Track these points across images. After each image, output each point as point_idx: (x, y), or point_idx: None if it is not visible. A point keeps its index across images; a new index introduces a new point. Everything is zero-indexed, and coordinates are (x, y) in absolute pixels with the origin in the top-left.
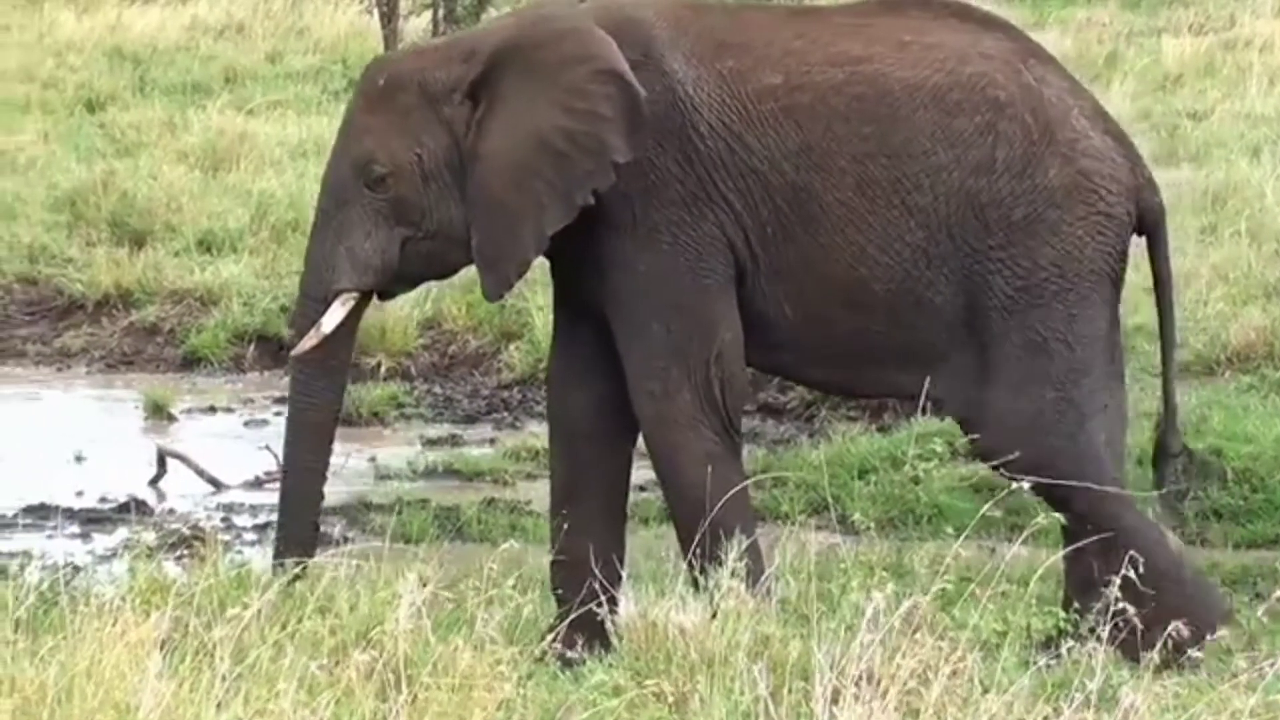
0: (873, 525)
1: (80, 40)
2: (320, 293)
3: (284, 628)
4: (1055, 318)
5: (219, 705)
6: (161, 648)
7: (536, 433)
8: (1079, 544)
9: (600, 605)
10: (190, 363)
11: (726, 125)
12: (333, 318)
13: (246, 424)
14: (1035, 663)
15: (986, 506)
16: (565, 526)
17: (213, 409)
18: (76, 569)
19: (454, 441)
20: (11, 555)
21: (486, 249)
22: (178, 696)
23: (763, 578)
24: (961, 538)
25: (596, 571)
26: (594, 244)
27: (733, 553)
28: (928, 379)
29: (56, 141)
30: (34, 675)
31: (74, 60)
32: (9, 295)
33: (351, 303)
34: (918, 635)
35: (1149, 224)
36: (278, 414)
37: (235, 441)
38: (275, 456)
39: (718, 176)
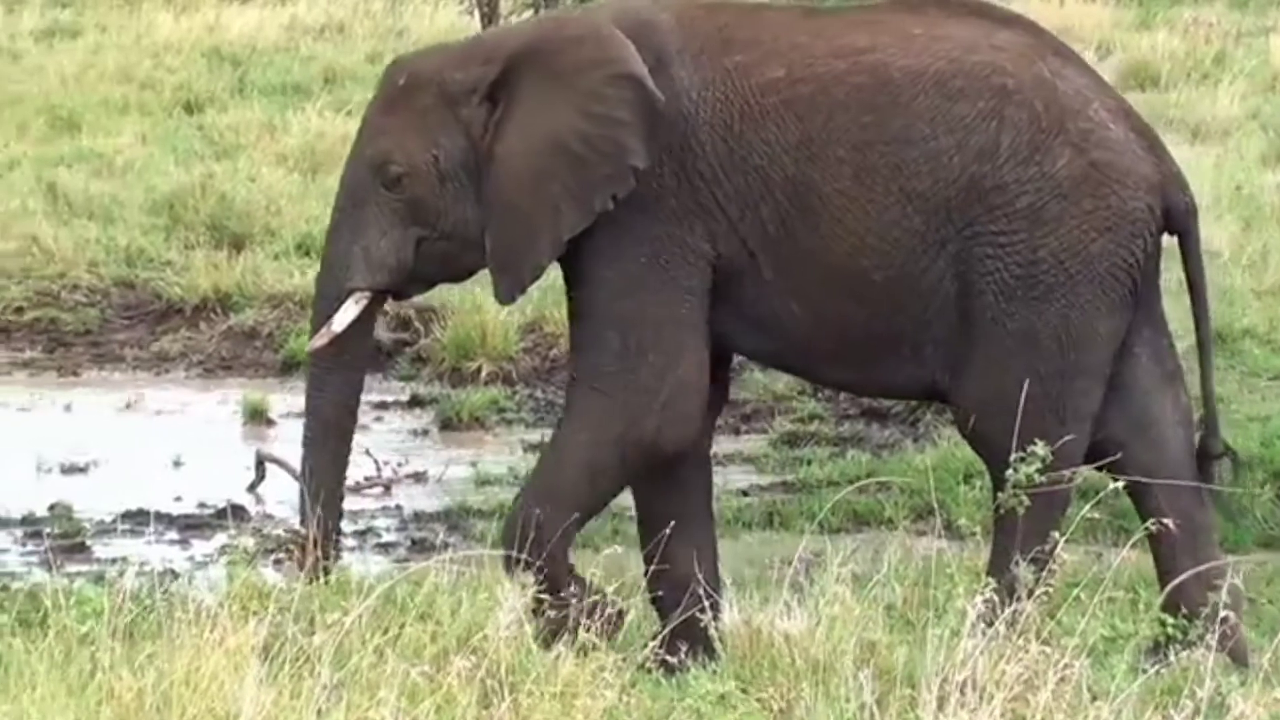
0: (978, 530)
1: (178, 41)
2: (335, 291)
3: (385, 634)
4: (1051, 313)
5: (319, 712)
6: (261, 654)
7: None
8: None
9: (703, 612)
10: (289, 367)
11: (727, 123)
12: (344, 316)
13: None
14: (1143, 669)
15: (1086, 509)
16: (655, 532)
17: None
18: (174, 575)
19: None
20: (110, 561)
21: (501, 252)
22: (278, 704)
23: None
24: (1063, 539)
25: (699, 577)
26: (574, 245)
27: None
28: (930, 369)
29: (154, 143)
30: (132, 683)
31: (172, 61)
32: (106, 299)
33: (364, 301)
34: (1024, 641)
35: (1178, 222)
36: (377, 419)
37: None
38: (375, 461)
39: (715, 181)
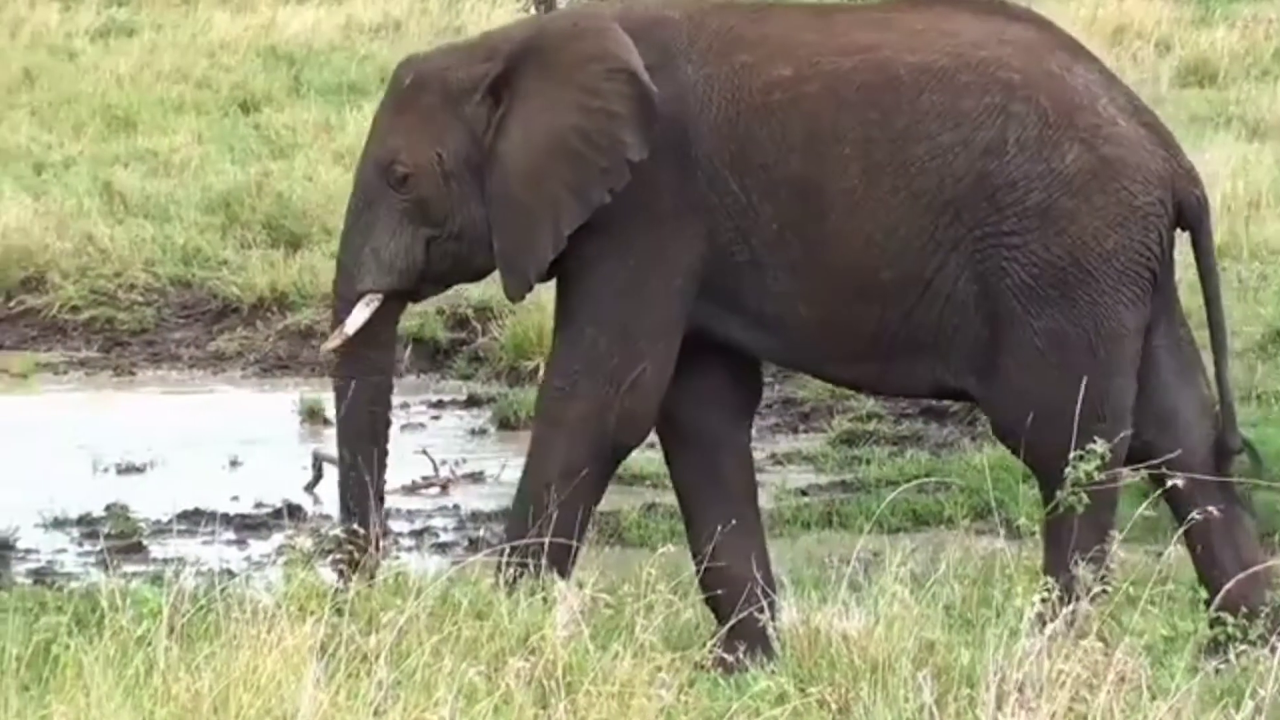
0: (1038, 529)
1: (234, 40)
2: (350, 294)
3: (442, 634)
4: (1078, 310)
5: (376, 712)
6: (318, 654)
7: None
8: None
9: (761, 611)
10: None
11: (732, 121)
12: (356, 318)
13: (403, 428)
14: (1204, 668)
15: (1142, 507)
16: (702, 533)
17: None
18: (231, 575)
19: None
20: (167, 561)
21: (506, 249)
22: (335, 704)
23: (564, 605)
24: (1119, 538)
25: (757, 576)
26: (569, 240)
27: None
28: (952, 371)
29: (211, 142)
30: (189, 683)
31: (228, 60)
32: (163, 298)
33: (376, 303)
34: (1083, 641)
35: (1190, 217)
36: (434, 418)
37: (392, 445)
38: (432, 461)
39: (719, 179)
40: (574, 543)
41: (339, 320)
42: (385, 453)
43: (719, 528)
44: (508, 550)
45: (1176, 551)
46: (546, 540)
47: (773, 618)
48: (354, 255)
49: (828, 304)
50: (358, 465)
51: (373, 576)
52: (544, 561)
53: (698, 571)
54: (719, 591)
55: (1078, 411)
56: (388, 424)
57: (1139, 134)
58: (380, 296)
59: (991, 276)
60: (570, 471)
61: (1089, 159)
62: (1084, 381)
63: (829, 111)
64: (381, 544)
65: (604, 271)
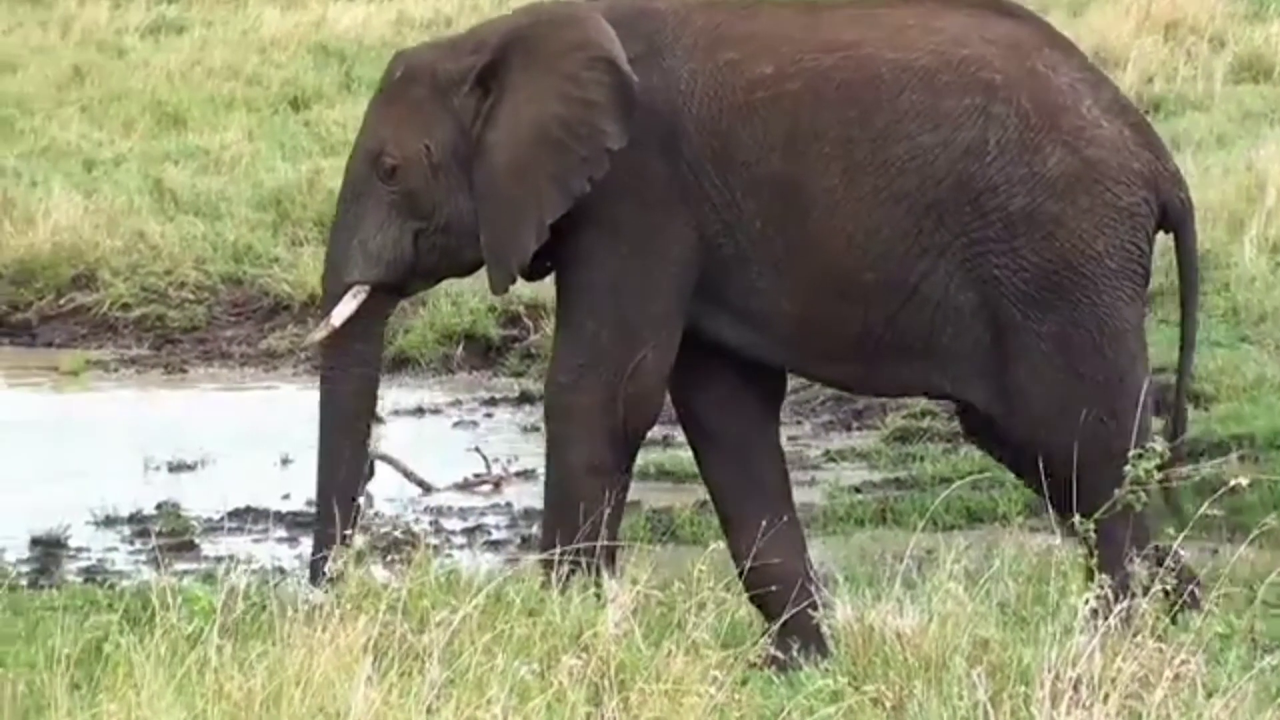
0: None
1: (285, 37)
2: (337, 286)
3: (494, 632)
4: (1079, 313)
5: (429, 710)
6: (371, 653)
7: None
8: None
9: (814, 608)
10: (398, 364)
11: (715, 118)
12: (342, 311)
13: (455, 425)
14: (1260, 666)
15: (1205, 506)
16: (737, 530)
17: (421, 410)
18: (283, 573)
19: (666, 443)
20: (218, 559)
21: (493, 241)
22: (387, 702)
23: (611, 595)
24: (1180, 537)
25: (809, 573)
26: (562, 233)
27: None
28: (950, 378)
29: (261, 139)
30: (241, 682)
31: (279, 57)
32: (214, 296)
33: (363, 295)
34: (1138, 638)
35: (1173, 219)
36: (487, 415)
37: (444, 443)
38: (485, 459)
39: (704, 175)
40: (613, 537)
41: (326, 313)
42: (366, 454)
43: (759, 525)
44: (549, 551)
45: (1232, 549)
46: (590, 539)
47: (819, 612)
48: (342, 247)
49: (811, 303)
50: (337, 467)
51: (337, 578)
52: (586, 559)
53: (740, 570)
54: (770, 589)
55: (1094, 415)
56: (372, 418)
57: (1123, 135)
58: (367, 288)
59: (986, 285)
60: (594, 465)
61: (1071, 161)
62: (1094, 382)
63: (809, 109)
64: (349, 540)
65: (599, 264)
